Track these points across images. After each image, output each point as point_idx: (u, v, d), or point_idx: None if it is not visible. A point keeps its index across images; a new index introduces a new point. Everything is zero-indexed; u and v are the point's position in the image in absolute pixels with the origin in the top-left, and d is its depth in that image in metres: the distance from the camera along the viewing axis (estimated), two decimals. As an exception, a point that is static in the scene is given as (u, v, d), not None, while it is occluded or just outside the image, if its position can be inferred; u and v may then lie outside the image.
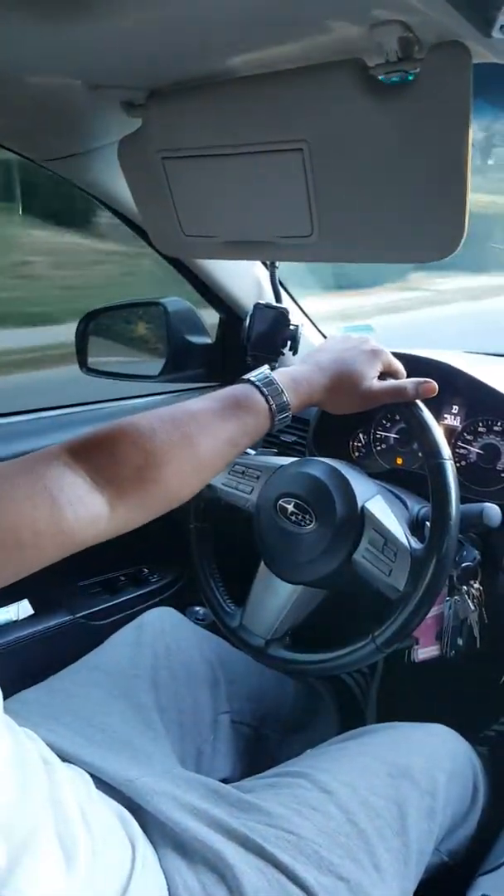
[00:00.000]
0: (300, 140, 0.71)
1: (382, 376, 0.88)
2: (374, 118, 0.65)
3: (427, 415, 0.88)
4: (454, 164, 0.63)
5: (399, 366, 0.91)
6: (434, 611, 1.00)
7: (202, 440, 0.74)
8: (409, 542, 0.87)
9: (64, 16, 0.60)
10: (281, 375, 0.81)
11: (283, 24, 0.62)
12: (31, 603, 1.26)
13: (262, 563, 1.00)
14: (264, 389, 0.78)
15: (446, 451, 0.86)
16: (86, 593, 1.35)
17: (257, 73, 0.71)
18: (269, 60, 0.69)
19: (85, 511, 0.65)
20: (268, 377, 0.80)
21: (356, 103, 0.65)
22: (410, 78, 0.63)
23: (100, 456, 0.69)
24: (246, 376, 0.80)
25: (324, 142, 0.70)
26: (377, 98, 0.64)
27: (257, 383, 0.79)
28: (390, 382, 0.88)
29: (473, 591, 1.01)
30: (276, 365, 1.22)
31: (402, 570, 0.85)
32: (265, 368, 0.82)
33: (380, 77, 0.64)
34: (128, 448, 0.70)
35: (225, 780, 0.85)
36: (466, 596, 1.00)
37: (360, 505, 0.90)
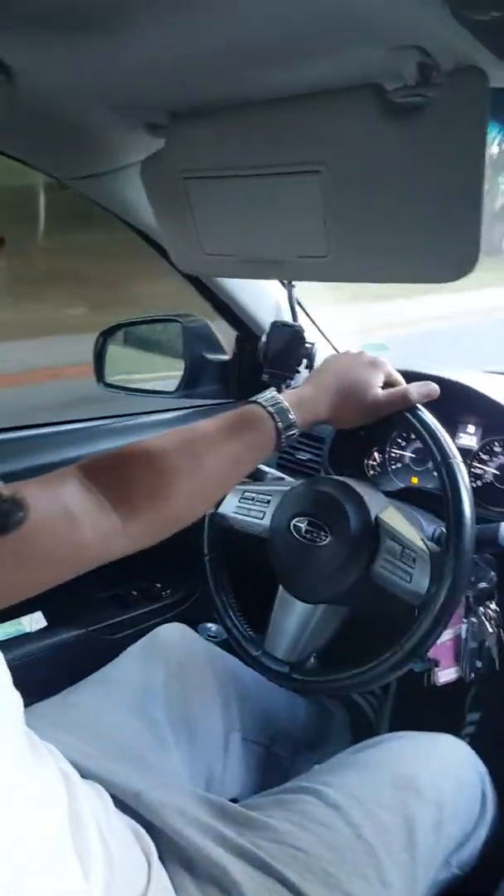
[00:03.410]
0: (318, 162, 0.72)
1: (384, 387, 0.90)
2: (391, 141, 0.66)
3: (431, 419, 0.88)
4: (470, 186, 0.64)
5: (398, 375, 0.93)
6: (451, 632, 0.99)
7: (211, 460, 0.77)
8: (426, 547, 0.87)
9: (90, 40, 0.62)
10: (287, 395, 0.84)
11: (302, 50, 0.63)
12: (44, 615, 1.26)
13: (281, 588, 1.00)
14: (271, 409, 0.81)
15: (455, 451, 0.86)
16: (99, 607, 1.35)
17: (277, 97, 0.72)
18: (288, 84, 0.70)
19: (100, 529, 0.68)
20: (275, 398, 0.83)
21: (374, 127, 0.66)
22: (428, 102, 0.63)
23: (113, 476, 0.72)
24: (253, 398, 0.84)
25: (341, 164, 0.71)
26: (395, 122, 0.65)
27: (264, 404, 0.82)
28: (393, 390, 0.90)
29: (490, 612, 1.01)
30: (293, 383, 1.23)
31: (422, 574, 0.85)
32: (272, 390, 0.85)
33: (397, 101, 0.65)
34: (140, 468, 0.74)
35: (235, 799, 0.85)
36: (483, 617, 1.00)
37: (373, 516, 0.90)
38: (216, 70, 0.69)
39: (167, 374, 1.39)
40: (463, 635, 1.00)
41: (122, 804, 0.75)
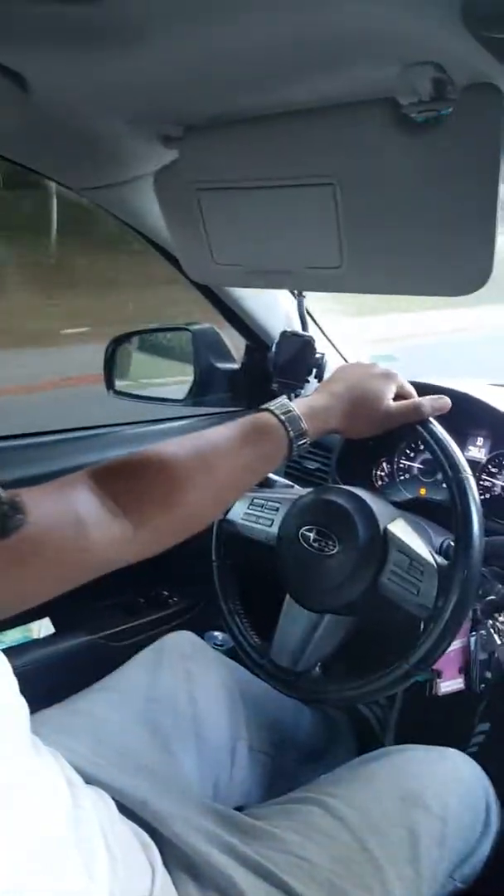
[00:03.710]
0: (331, 175, 0.72)
1: (396, 399, 0.90)
2: (405, 156, 0.67)
3: (442, 432, 0.88)
4: (483, 201, 0.64)
5: (410, 387, 0.92)
6: (457, 644, 0.99)
7: (222, 467, 0.77)
8: (434, 560, 0.87)
9: (105, 53, 0.63)
10: (299, 404, 0.84)
11: (317, 65, 0.63)
12: (52, 622, 1.27)
13: (287, 596, 1.00)
14: (282, 417, 0.81)
15: (465, 465, 0.86)
16: (106, 614, 1.36)
17: (291, 110, 0.72)
18: (302, 98, 0.70)
19: (110, 534, 0.68)
20: (286, 406, 0.82)
21: (388, 141, 0.66)
22: (442, 117, 0.64)
23: (124, 482, 0.72)
24: (265, 405, 0.83)
25: (355, 177, 0.71)
26: (409, 136, 0.65)
27: (276, 412, 0.82)
28: (405, 402, 0.90)
29: (499, 624, 1.01)
30: (302, 392, 1.23)
31: (430, 587, 0.85)
32: (283, 398, 0.84)
33: (412, 116, 0.65)
34: (150, 474, 0.73)
35: (241, 807, 0.85)
36: (492, 630, 0.99)
37: (382, 526, 0.89)
38: (231, 84, 0.70)
39: (181, 378, 1.40)
40: (472, 647, 1.00)
41: (127, 811, 0.75)
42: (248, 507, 1.04)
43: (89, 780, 0.75)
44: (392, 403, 0.88)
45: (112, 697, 0.97)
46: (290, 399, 0.85)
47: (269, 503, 1.03)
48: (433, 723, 1.25)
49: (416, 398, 0.90)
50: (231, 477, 0.78)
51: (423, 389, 0.93)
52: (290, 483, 1.12)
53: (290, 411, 0.82)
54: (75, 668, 1.20)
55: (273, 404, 0.83)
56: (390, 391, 0.89)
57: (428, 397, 0.90)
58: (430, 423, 0.89)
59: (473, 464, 1.12)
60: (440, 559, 0.87)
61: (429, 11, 0.51)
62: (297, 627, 0.99)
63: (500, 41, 0.53)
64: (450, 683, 1.01)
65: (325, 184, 0.73)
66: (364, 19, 0.54)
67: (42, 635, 1.25)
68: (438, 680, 1.00)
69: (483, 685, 1.01)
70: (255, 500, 1.04)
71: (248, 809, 0.87)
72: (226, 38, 0.59)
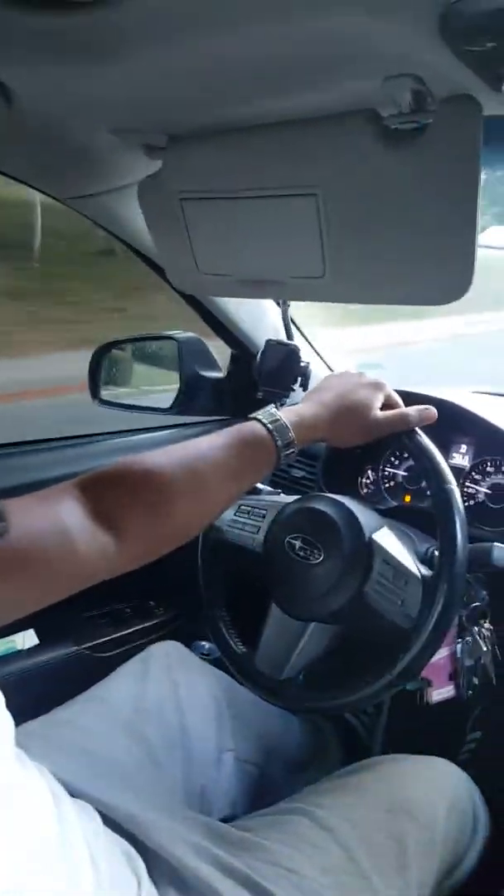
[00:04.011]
0: (314, 186, 0.73)
1: (383, 408, 0.90)
2: (386, 166, 0.67)
3: (428, 442, 0.89)
4: (464, 211, 0.65)
5: (397, 397, 0.93)
6: (445, 651, 0.99)
7: (210, 476, 0.76)
8: (419, 571, 0.87)
9: (89, 65, 0.63)
10: (286, 413, 0.84)
11: (299, 79, 0.64)
12: (36, 633, 1.26)
13: (273, 604, 1.00)
14: (270, 426, 0.81)
15: (450, 477, 0.86)
16: (92, 624, 1.35)
17: (274, 122, 0.73)
18: (284, 110, 0.71)
19: (96, 545, 0.67)
20: (273, 415, 0.82)
21: (369, 152, 0.67)
22: (422, 129, 0.65)
23: (110, 492, 0.71)
24: (253, 414, 0.83)
25: (337, 188, 0.72)
26: (390, 147, 0.66)
27: (264, 421, 0.81)
28: (393, 411, 0.90)
29: (485, 630, 1.01)
30: (287, 401, 1.23)
31: (414, 598, 0.85)
32: (271, 407, 0.84)
33: (393, 127, 0.66)
34: (137, 484, 0.73)
35: (227, 818, 0.85)
36: (478, 636, 1.00)
37: (367, 536, 0.90)
38: (213, 95, 0.70)
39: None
40: (458, 654, 1.00)
41: (113, 823, 0.74)
42: (235, 514, 1.04)
43: (74, 792, 0.75)
44: (379, 413, 0.89)
45: (98, 708, 0.97)
46: (277, 408, 0.85)
47: (256, 510, 1.03)
48: (422, 731, 1.25)
49: (403, 408, 0.91)
50: (219, 486, 0.78)
51: (408, 398, 0.94)
52: (277, 490, 1.12)
53: (277, 420, 0.82)
54: (60, 680, 1.20)
55: (261, 413, 0.83)
56: (378, 401, 0.89)
57: (414, 407, 0.90)
58: (417, 433, 0.89)
59: (457, 471, 1.13)
60: (424, 569, 0.87)
61: (408, 26, 0.52)
62: (282, 635, 0.99)
63: (477, 54, 0.53)
64: (441, 691, 1.02)
65: (308, 194, 0.74)
66: (345, 34, 0.54)
67: (27, 646, 1.24)
68: (429, 688, 1.01)
69: (471, 692, 1.02)
70: (241, 507, 1.04)
71: (236, 821, 0.86)
72: (209, 52, 0.60)
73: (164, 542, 0.75)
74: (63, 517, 0.66)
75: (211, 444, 0.79)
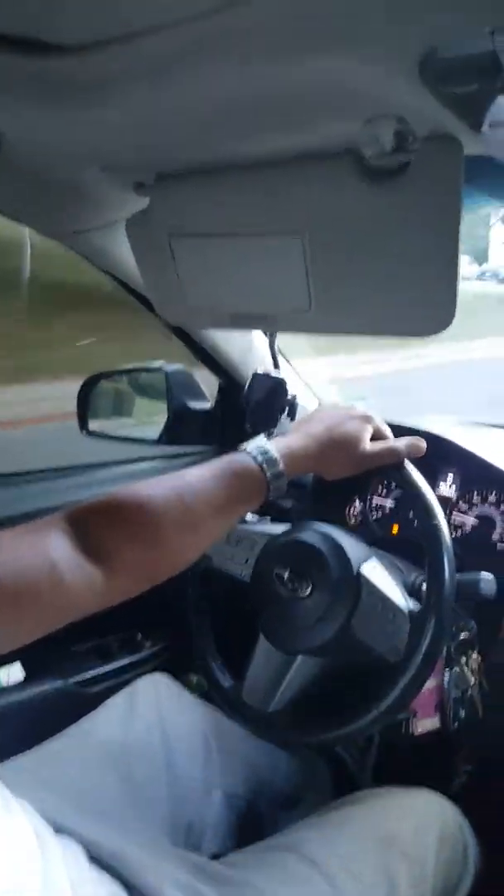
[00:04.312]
0: (300, 223, 0.74)
1: (372, 440, 0.90)
2: (369, 205, 0.69)
3: (417, 476, 0.89)
4: (446, 247, 0.67)
5: (387, 429, 0.93)
6: (432, 682, 0.99)
7: (199, 508, 0.76)
8: (407, 604, 0.87)
9: (77, 105, 0.64)
10: (276, 445, 0.83)
11: (281, 118, 0.65)
12: (22, 667, 1.24)
13: (261, 636, 1.00)
14: (259, 458, 0.81)
15: (438, 511, 0.87)
16: (78, 658, 1.33)
17: (258, 161, 0.74)
18: (270, 149, 0.72)
19: (84, 578, 0.66)
20: (263, 447, 0.82)
21: (352, 191, 0.69)
22: (404, 167, 0.66)
23: (99, 524, 0.71)
24: (242, 446, 0.83)
25: (322, 227, 0.73)
26: (373, 186, 0.68)
27: (253, 453, 0.81)
28: (382, 444, 0.90)
29: (472, 661, 1.01)
30: (274, 432, 1.24)
31: (401, 631, 0.85)
32: (261, 438, 0.84)
33: (375, 166, 0.67)
34: (126, 516, 0.72)
35: (216, 854, 0.83)
36: (465, 667, 1.00)
37: (355, 569, 0.90)
38: (200, 136, 0.71)
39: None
40: (445, 685, 1.00)
41: (99, 861, 0.73)
42: (225, 544, 1.04)
43: (59, 828, 0.74)
44: (369, 446, 0.89)
45: (84, 744, 0.96)
46: (266, 439, 0.85)
47: (246, 540, 1.03)
48: (413, 764, 1.24)
49: (392, 441, 0.91)
50: (208, 518, 0.77)
51: (396, 430, 0.94)
52: (266, 518, 1.12)
53: (267, 451, 0.82)
54: (47, 714, 1.18)
55: (250, 445, 0.83)
56: (367, 433, 0.89)
57: (404, 439, 0.91)
58: (405, 465, 0.90)
59: (444, 501, 1.13)
60: (412, 603, 0.87)
61: (389, 68, 0.53)
62: (270, 668, 0.98)
63: (456, 96, 0.55)
64: (426, 722, 1.01)
65: (294, 231, 0.75)
66: (327, 76, 0.56)
67: (11, 682, 1.22)
68: (414, 719, 1.00)
69: (457, 723, 1.01)
70: (231, 537, 1.04)
71: (223, 857, 0.85)
72: (196, 94, 0.61)
73: (153, 574, 0.74)
74: (51, 550, 0.66)
75: (200, 475, 0.78)
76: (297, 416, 1.27)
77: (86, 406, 1.43)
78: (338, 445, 0.88)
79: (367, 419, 0.91)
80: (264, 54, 0.54)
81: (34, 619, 0.64)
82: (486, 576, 0.96)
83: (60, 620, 0.66)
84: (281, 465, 0.81)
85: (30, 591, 0.62)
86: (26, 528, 0.68)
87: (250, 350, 1.41)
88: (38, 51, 0.54)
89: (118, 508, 0.73)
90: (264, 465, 0.81)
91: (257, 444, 0.83)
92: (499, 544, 1.09)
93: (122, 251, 1.05)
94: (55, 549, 0.66)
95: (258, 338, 1.40)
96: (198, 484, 0.77)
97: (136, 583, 0.73)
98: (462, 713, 1.01)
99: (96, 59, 0.55)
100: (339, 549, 0.91)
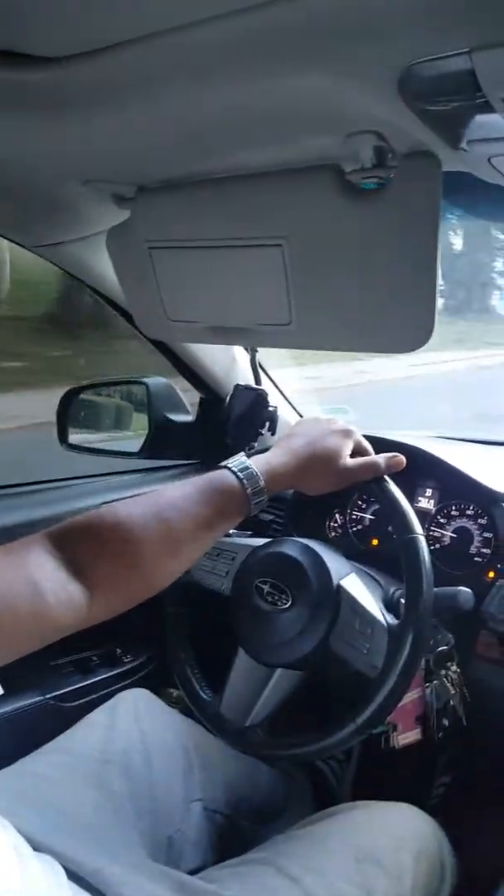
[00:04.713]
0: (280, 237, 0.75)
1: (353, 455, 0.90)
2: (349, 220, 0.70)
3: (396, 491, 0.90)
4: (424, 263, 0.67)
5: (367, 444, 0.93)
6: (412, 695, 0.99)
7: (181, 526, 0.76)
8: (385, 619, 0.87)
9: (57, 119, 0.64)
10: (257, 461, 0.84)
11: (263, 133, 0.66)
12: (1, 683, 1.23)
13: (240, 649, 0.99)
14: (240, 474, 0.81)
15: (417, 526, 0.87)
16: (57, 673, 1.32)
17: (240, 174, 0.75)
18: (251, 163, 0.73)
19: (66, 597, 0.67)
20: (244, 464, 0.82)
21: (333, 206, 0.69)
22: (384, 184, 0.67)
23: (80, 544, 0.71)
24: (223, 463, 0.83)
25: (302, 240, 0.74)
26: (353, 201, 0.68)
27: (234, 469, 0.81)
28: (362, 459, 0.90)
29: (451, 673, 1.01)
30: (256, 444, 1.24)
31: (379, 647, 0.85)
32: (241, 455, 0.84)
33: (355, 182, 0.68)
34: (107, 536, 0.73)
35: (196, 870, 0.83)
36: (445, 679, 1.00)
37: (335, 583, 0.90)
38: (180, 149, 0.72)
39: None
40: (427, 698, 1.00)
41: (78, 878, 0.73)
42: (204, 557, 1.04)
43: (39, 846, 0.73)
44: (349, 461, 0.89)
45: (63, 760, 0.95)
46: (247, 453, 0.85)
47: (225, 553, 1.03)
48: (392, 777, 1.24)
49: (372, 456, 0.91)
50: (189, 536, 0.78)
51: (376, 444, 0.94)
52: (247, 532, 1.12)
53: (247, 468, 0.82)
54: (26, 731, 1.17)
55: (231, 461, 0.83)
56: (347, 448, 0.89)
57: (383, 455, 0.91)
58: (385, 480, 0.90)
59: (423, 514, 1.14)
60: (390, 617, 0.87)
61: (368, 85, 0.54)
62: (248, 681, 0.98)
63: (435, 113, 0.56)
64: (407, 735, 1.01)
65: (274, 245, 0.76)
66: (308, 93, 0.56)
67: (-10, 697, 1.21)
68: (395, 732, 1.00)
69: (440, 734, 1.01)
70: (211, 550, 1.04)
71: (203, 872, 0.84)
72: (177, 108, 0.62)
73: (135, 593, 0.74)
74: (33, 570, 0.66)
75: (181, 493, 0.79)
76: (279, 429, 1.27)
77: (65, 419, 1.42)
78: (317, 461, 0.88)
79: (347, 434, 0.91)
80: (244, 71, 0.55)
81: (16, 641, 0.64)
82: (464, 590, 0.96)
83: (43, 641, 0.66)
84: (262, 482, 0.82)
85: (12, 613, 0.62)
86: (6, 549, 0.68)
87: (231, 364, 1.41)
88: (18, 62, 0.55)
89: (99, 528, 0.73)
90: (245, 482, 0.81)
91: (238, 460, 0.83)
92: (476, 557, 1.10)
93: (103, 264, 1.05)
94: (37, 569, 0.66)
95: (240, 352, 1.41)
96: (179, 502, 0.77)
97: (119, 602, 0.73)
98: (445, 723, 1.01)
99: (77, 72, 0.56)
100: (319, 562, 0.92)
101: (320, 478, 0.88)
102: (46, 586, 0.65)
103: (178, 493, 0.78)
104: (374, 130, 0.62)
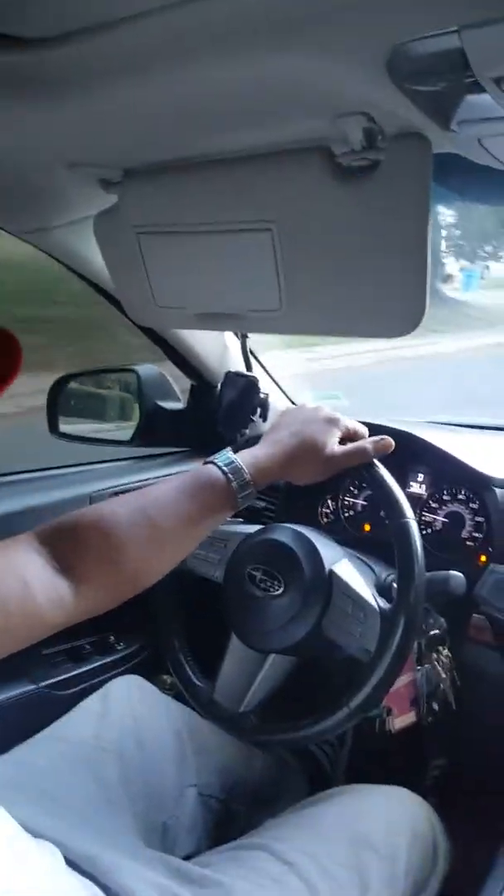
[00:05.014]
0: (269, 220, 0.74)
1: (343, 441, 0.90)
2: (339, 202, 0.69)
3: (387, 475, 0.89)
4: (415, 246, 0.67)
5: (358, 426, 0.92)
6: (405, 679, 1.00)
7: (165, 524, 0.77)
8: (377, 603, 0.87)
9: (43, 101, 0.64)
10: (242, 455, 0.83)
11: (251, 114, 0.65)
12: (-7, 671, 1.23)
13: (233, 635, 0.99)
14: (226, 469, 0.81)
15: (408, 510, 0.87)
16: (50, 662, 1.31)
17: (228, 157, 0.74)
18: (239, 146, 0.72)
19: (54, 594, 0.68)
20: (229, 458, 0.82)
21: (323, 188, 0.69)
22: (374, 165, 0.66)
23: (68, 542, 0.73)
24: (209, 459, 0.83)
25: (292, 223, 0.73)
26: (343, 183, 0.68)
27: (219, 464, 0.82)
28: (349, 445, 0.89)
29: (443, 658, 1.02)
30: (247, 431, 1.24)
31: (371, 631, 0.85)
32: (227, 451, 0.84)
33: (345, 164, 0.67)
34: (92, 534, 0.74)
35: (191, 855, 0.83)
36: (436, 663, 1.00)
37: (327, 568, 0.90)
38: (168, 132, 0.71)
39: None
40: (418, 681, 1.01)
41: (74, 864, 0.73)
42: None
43: (34, 833, 0.73)
44: (336, 448, 0.88)
45: (57, 747, 0.95)
46: (237, 440, 0.85)
47: (217, 540, 1.03)
48: (386, 760, 1.24)
49: (358, 442, 0.90)
50: (175, 532, 0.79)
51: (368, 428, 0.94)
52: (238, 519, 1.12)
53: (232, 463, 0.82)
54: (18, 719, 1.17)
55: (217, 457, 0.83)
56: (334, 436, 0.88)
57: (370, 439, 0.90)
58: (375, 465, 0.90)
59: (415, 499, 1.14)
60: (382, 602, 0.87)
61: (357, 66, 0.54)
62: (242, 667, 0.98)
63: (424, 94, 0.55)
64: (402, 719, 1.02)
65: (264, 229, 0.75)
66: (296, 73, 0.56)
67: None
68: (390, 717, 1.01)
69: (431, 717, 1.02)
70: None
71: (198, 857, 0.85)
72: (165, 90, 0.61)
73: (123, 590, 0.76)
74: (22, 569, 0.67)
75: (167, 490, 0.79)
76: (270, 416, 1.27)
77: (56, 407, 1.41)
78: (304, 451, 0.87)
79: (333, 421, 0.90)
80: (231, 52, 0.54)
81: (6, 637, 0.65)
82: (456, 574, 0.97)
83: (33, 638, 0.68)
84: (247, 476, 0.81)
85: (3, 609, 0.64)
86: None
87: (222, 351, 1.41)
88: (2, 44, 0.54)
89: (87, 527, 0.75)
90: (230, 476, 0.81)
91: (224, 455, 0.83)
92: (467, 542, 1.10)
93: (91, 250, 1.04)
94: (26, 568, 0.68)
95: (230, 338, 1.40)
96: (165, 499, 0.78)
97: (107, 598, 0.74)
98: (435, 707, 1.02)
99: (61, 54, 0.55)
100: (311, 549, 0.92)
101: (308, 467, 0.88)
102: (36, 584, 0.67)
103: (163, 491, 0.79)
104: (363, 112, 0.62)
